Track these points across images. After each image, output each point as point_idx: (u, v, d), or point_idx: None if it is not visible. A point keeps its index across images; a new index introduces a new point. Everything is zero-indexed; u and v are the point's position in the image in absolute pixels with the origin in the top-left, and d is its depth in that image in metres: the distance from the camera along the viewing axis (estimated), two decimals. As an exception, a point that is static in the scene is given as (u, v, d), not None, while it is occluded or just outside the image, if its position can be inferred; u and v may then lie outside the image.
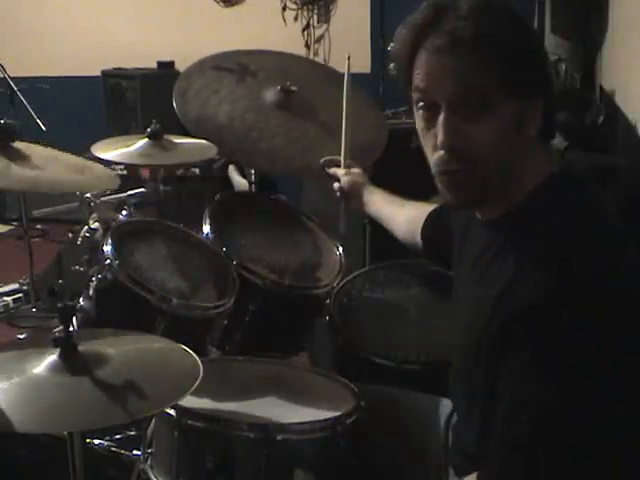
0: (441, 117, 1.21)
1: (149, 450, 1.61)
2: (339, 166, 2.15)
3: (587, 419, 1.14)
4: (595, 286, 1.15)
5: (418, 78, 1.23)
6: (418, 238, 1.86)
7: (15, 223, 5.19)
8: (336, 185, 2.12)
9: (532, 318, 1.15)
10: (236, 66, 2.43)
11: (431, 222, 1.81)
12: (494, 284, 1.23)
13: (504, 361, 1.19)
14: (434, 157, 1.25)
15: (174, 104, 2.30)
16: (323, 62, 4.82)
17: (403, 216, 1.95)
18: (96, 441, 1.90)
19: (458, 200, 1.28)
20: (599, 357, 1.13)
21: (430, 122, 1.24)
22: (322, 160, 2.19)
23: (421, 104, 1.25)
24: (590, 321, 1.13)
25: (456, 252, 1.49)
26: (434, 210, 1.80)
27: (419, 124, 1.27)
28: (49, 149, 2.17)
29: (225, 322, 2.05)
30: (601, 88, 3.69)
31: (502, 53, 1.18)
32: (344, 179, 2.10)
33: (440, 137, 1.22)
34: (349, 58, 2.16)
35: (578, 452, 1.15)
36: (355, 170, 2.13)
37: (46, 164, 1.98)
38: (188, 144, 2.37)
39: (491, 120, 1.20)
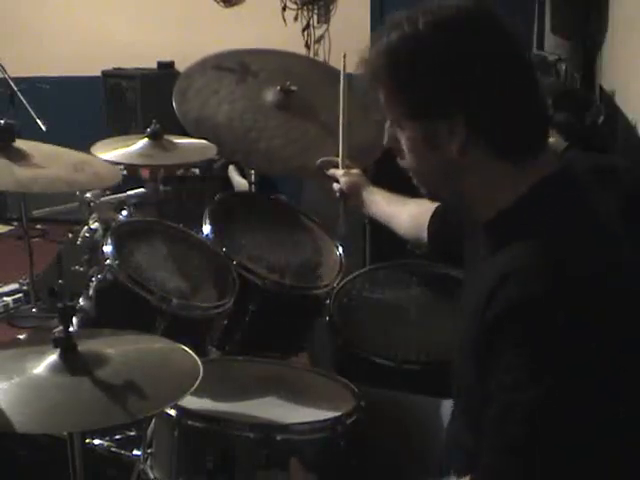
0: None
1: (149, 450, 1.61)
2: (337, 167, 2.16)
3: (583, 418, 1.14)
4: (585, 283, 1.15)
5: None
6: (423, 234, 1.85)
7: (15, 223, 5.20)
8: (335, 186, 2.13)
9: (523, 313, 1.14)
10: (237, 66, 2.43)
11: (438, 217, 1.81)
12: (486, 282, 1.23)
13: (496, 359, 1.18)
14: None
15: (174, 104, 2.30)
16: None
17: (406, 213, 1.95)
18: (96, 441, 1.91)
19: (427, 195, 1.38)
20: (590, 354, 1.13)
21: None
22: (318, 161, 2.20)
23: None
24: (580, 317, 1.13)
25: (465, 249, 1.49)
26: (441, 205, 1.80)
27: None
28: (50, 145, 2.16)
29: (225, 322, 2.05)
30: (601, 88, 3.69)
31: (392, 84, 1.24)
32: (343, 179, 2.11)
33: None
34: (345, 57, 2.16)
35: (576, 453, 1.14)
36: (354, 171, 2.13)
37: (46, 163, 1.98)
38: (188, 144, 2.37)
39: (402, 135, 1.28)
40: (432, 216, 1.82)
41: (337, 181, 2.13)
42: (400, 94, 1.23)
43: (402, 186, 1.98)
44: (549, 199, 1.24)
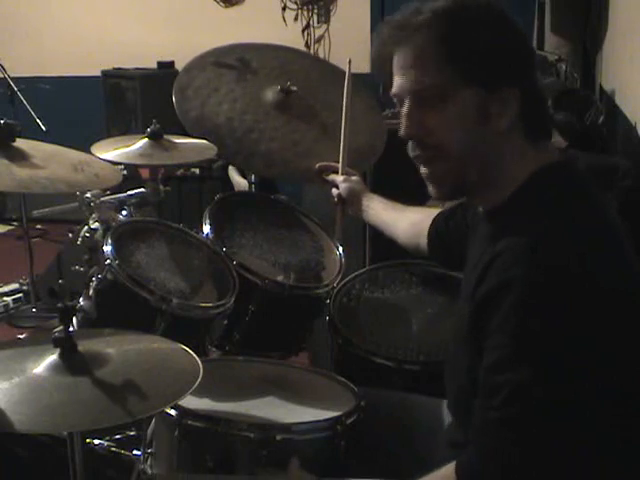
0: (403, 109, 1.28)
1: (149, 450, 1.61)
2: (336, 172, 2.15)
3: (569, 396, 1.15)
4: (574, 279, 1.15)
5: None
6: (423, 241, 1.85)
7: (15, 223, 5.20)
8: (334, 191, 2.13)
9: (507, 292, 1.15)
10: (237, 62, 2.43)
11: (442, 221, 1.80)
12: (480, 265, 1.24)
13: (485, 339, 1.19)
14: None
15: (173, 102, 2.30)
16: (323, 62, 4.82)
17: (406, 220, 1.95)
18: (96, 441, 1.90)
19: (437, 192, 1.33)
20: (571, 341, 1.14)
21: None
22: (317, 165, 2.20)
23: (396, 101, 1.31)
24: (558, 306, 1.14)
25: (469, 246, 1.50)
26: (441, 212, 1.80)
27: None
28: (50, 145, 2.16)
29: (225, 322, 2.05)
30: (601, 88, 3.69)
31: (455, 44, 1.22)
32: (342, 186, 2.11)
33: (401, 127, 1.29)
34: (350, 62, 2.15)
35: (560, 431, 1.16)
36: (354, 177, 2.13)
37: (46, 163, 1.98)
38: (188, 144, 2.36)
39: (447, 109, 1.24)
40: (432, 223, 1.82)
41: (336, 186, 2.13)
42: (458, 58, 1.22)
43: (400, 186, 1.99)
44: (547, 193, 1.26)
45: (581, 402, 1.16)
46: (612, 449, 1.21)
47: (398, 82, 1.28)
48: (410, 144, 1.31)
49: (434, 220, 1.82)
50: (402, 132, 1.30)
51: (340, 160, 2.15)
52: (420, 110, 1.26)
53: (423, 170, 1.32)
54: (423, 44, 1.23)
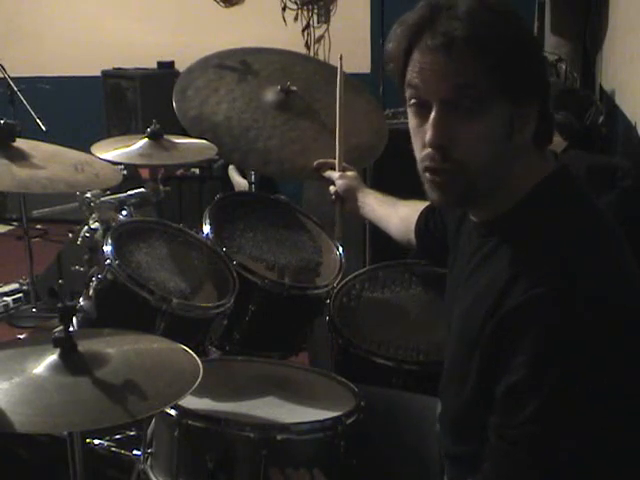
0: (432, 115, 1.21)
1: (149, 450, 1.61)
2: (333, 169, 2.15)
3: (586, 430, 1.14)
4: (593, 289, 1.15)
5: (412, 76, 1.22)
6: (412, 236, 1.86)
7: (15, 223, 5.21)
8: (332, 188, 2.13)
9: (532, 319, 1.14)
10: (239, 65, 2.43)
11: (423, 219, 1.82)
12: (490, 285, 1.23)
13: (502, 362, 1.18)
14: (422, 154, 1.25)
15: (173, 102, 2.31)
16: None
17: (396, 215, 1.96)
18: (96, 441, 1.91)
19: (441, 199, 1.28)
20: (596, 361, 1.13)
21: (422, 119, 1.24)
22: (315, 163, 2.20)
23: (413, 101, 1.24)
24: (589, 325, 1.13)
25: (451, 248, 1.49)
26: (427, 207, 1.81)
27: (411, 121, 1.27)
28: (50, 145, 2.16)
29: (225, 322, 2.05)
30: (601, 88, 3.69)
31: (495, 54, 1.17)
32: (339, 182, 2.11)
33: (429, 135, 1.21)
34: (341, 58, 2.16)
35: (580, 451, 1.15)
36: (350, 173, 2.13)
37: (46, 163, 1.98)
38: (188, 144, 2.36)
39: (481, 121, 1.19)
40: (418, 218, 1.82)
41: (333, 183, 2.13)
42: (498, 67, 1.17)
43: (400, 186, 1.99)
44: (551, 201, 1.25)
45: (602, 422, 1.14)
46: (628, 474, 1.19)
47: (429, 85, 1.21)
48: (429, 153, 1.23)
49: (420, 215, 1.82)
50: (428, 140, 1.21)
51: (337, 156, 2.15)
52: (451, 119, 1.20)
53: (430, 178, 1.25)
54: (463, 50, 1.17)
